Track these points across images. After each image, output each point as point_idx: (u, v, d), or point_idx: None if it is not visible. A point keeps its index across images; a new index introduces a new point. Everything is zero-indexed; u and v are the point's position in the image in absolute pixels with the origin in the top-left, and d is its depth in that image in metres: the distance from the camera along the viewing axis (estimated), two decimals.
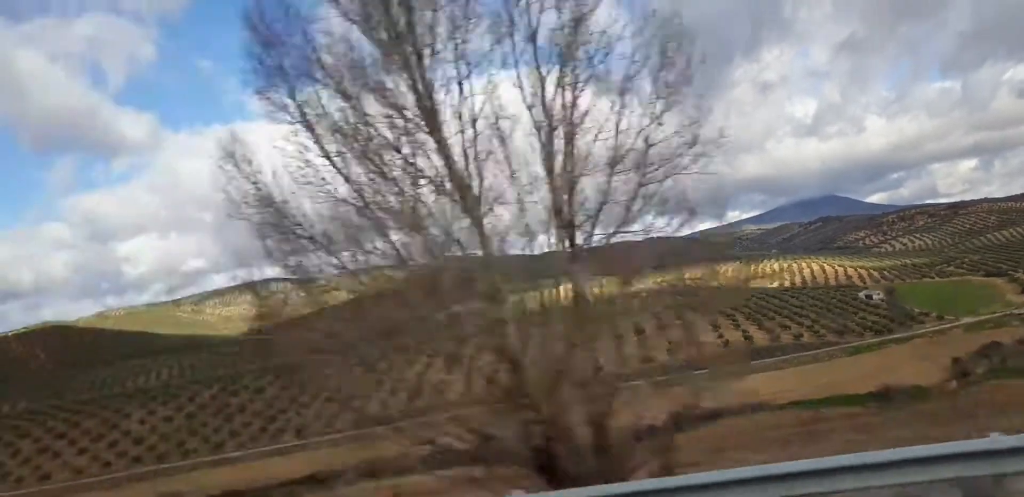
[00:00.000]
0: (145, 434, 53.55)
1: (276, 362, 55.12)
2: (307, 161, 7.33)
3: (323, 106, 7.36)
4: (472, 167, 7.34)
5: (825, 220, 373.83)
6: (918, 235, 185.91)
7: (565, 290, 8.44)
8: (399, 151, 7.34)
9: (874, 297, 71.66)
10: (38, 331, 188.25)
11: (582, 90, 7.52)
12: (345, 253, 7.68)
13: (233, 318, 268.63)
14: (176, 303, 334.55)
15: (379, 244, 7.68)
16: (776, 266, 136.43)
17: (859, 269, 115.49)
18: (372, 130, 7.30)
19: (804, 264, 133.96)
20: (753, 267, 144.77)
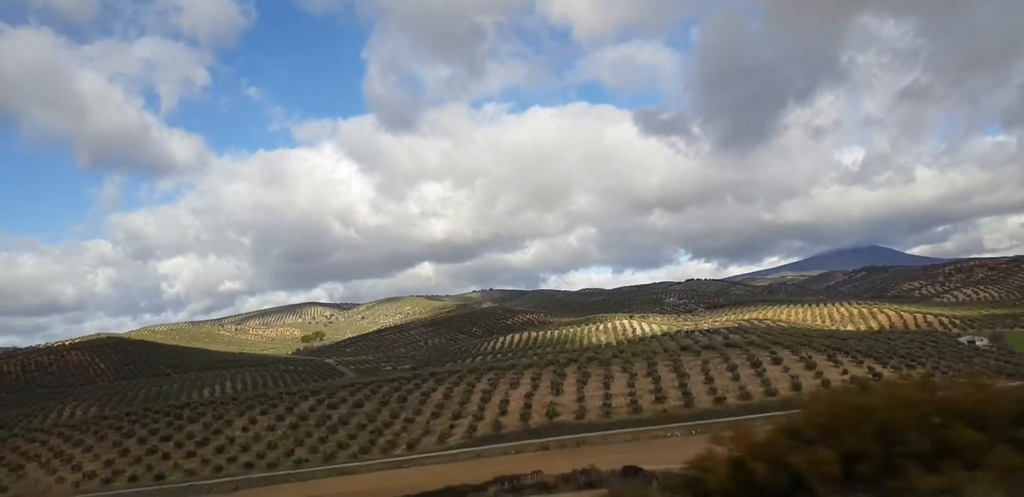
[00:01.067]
0: (250, 441, 53.65)
1: (374, 379, 55.03)
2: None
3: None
4: None
5: (869, 269, 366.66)
6: (981, 287, 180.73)
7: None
8: None
9: (977, 342, 69.72)
10: (93, 341, 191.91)
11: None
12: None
13: (276, 338, 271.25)
14: (219, 322, 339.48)
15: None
16: (843, 310, 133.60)
17: (937, 317, 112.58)
18: None
19: (868, 310, 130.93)
20: (816, 310, 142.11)
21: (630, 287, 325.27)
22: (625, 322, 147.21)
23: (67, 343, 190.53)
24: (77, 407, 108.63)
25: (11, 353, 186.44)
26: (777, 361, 55.57)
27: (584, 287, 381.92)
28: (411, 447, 49.49)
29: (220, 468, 49.77)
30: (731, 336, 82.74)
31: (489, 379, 60.46)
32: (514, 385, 57.42)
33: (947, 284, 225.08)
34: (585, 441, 46.50)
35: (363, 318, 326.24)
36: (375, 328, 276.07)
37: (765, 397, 49.55)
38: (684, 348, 66.38)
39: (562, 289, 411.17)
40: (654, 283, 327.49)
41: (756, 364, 54.39)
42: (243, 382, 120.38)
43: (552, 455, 44.13)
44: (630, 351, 67.57)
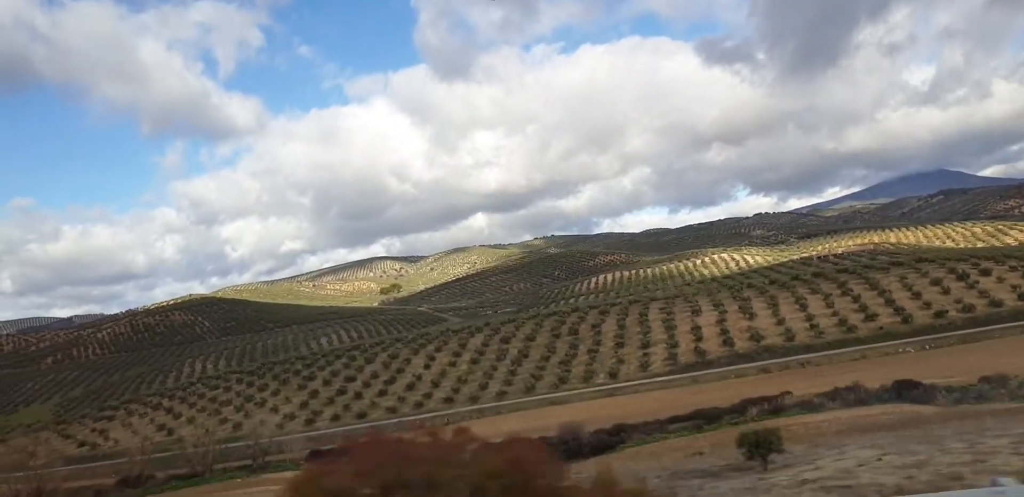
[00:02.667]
0: (437, 377, 53.22)
1: (535, 314, 53.03)
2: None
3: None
4: None
5: (946, 193, 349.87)
6: None
7: None
8: None
9: None
10: (188, 302, 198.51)
11: None
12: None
13: (354, 292, 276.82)
14: (293, 280, 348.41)
15: None
16: (961, 231, 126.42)
17: None
18: None
19: (993, 229, 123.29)
20: (926, 232, 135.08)
21: (698, 225, 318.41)
22: (725, 256, 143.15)
23: (165, 304, 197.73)
24: (206, 361, 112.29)
25: (116, 317, 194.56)
26: (962, 276, 51.22)
27: (646, 228, 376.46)
28: (613, 376, 48.13)
29: (420, 404, 49.53)
30: (879, 258, 78.35)
31: (660, 308, 58.37)
32: (696, 312, 55.15)
33: None
34: (808, 362, 44.23)
35: (432, 269, 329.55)
36: (447, 278, 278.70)
37: (991, 308, 46.04)
38: (843, 270, 62.54)
39: (616, 231, 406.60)
40: (719, 220, 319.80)
41: (937, 281, 50.52)
42: (356, 331, 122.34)
43: (783, 377, 41.99)
44: (788, 276, 64.27)
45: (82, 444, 53.07)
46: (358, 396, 52.55)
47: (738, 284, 62.78)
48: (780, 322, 49.78)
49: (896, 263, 57.45)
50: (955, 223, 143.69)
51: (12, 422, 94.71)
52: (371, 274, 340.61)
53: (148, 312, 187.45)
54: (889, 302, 49.06)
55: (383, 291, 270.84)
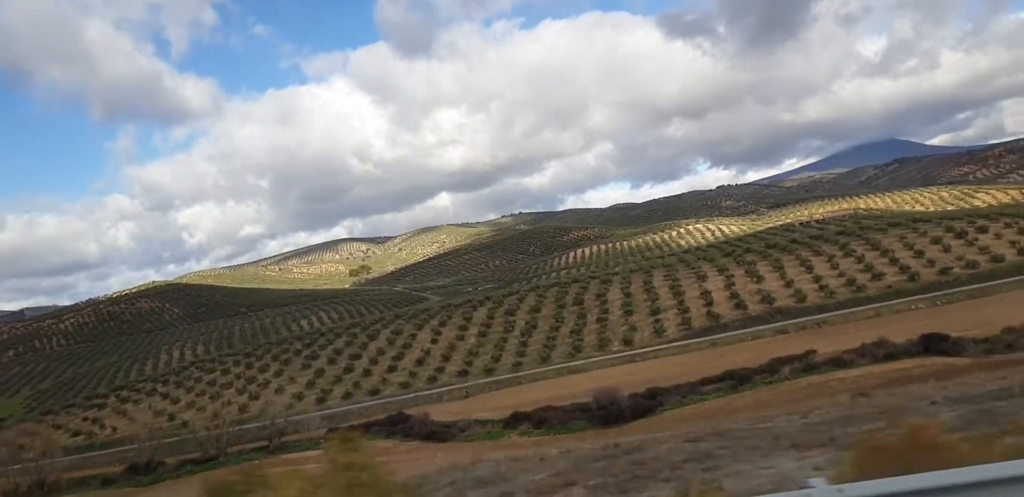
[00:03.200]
0: (447, 351, 52.31)
1: (538, 285, 52.39)
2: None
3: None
4: None
5: (901, 161, 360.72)
6: None
7: None
8: None
9: None
10: (152, 289, 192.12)
11: None
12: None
13: (322, 275, 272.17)
14: (257, 264, 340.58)
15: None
16: (929, 196, 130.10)
17: None
18: None
19: (960, 193, 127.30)
20: (895, 198, 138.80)
21: (664, 198, 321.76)
22: (700, 226, 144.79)
23: (129, 292, 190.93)
24: (184, 347, 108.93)
25: (77, 307, 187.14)
26: (961, 234, 52.32)
27: (612, 203, 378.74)
28: (627, 343, 47.95)
29: (433, 378, 48.62)
30: (864, 221, 79.81)
31: (664, 276, 58.33)
32: (701, 278, 55.22)
33: (1001, 166, 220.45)
34: (824, 322, 44.69)
35: (400, 250, 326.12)
36: (416, 258, 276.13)
37: (993, 264, 47.15)
38: (841, 233, 63.43)
39: (581, 207, 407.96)
40: (685, 193, 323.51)
41: (937, 239, 51.63)
42: (337, 313, 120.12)
43: (802, 337, 42.29)
44: (778, 241, 64.95)
45: (76, 434, 50.70)
46: (367, 373, 51.33)
47: (737, 250, 63.11)
48: (788, 284, 50.17)
49: (894, 224, 58.42)
50: (919, 189, 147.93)
51: None
52: (337, 256, 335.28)
53: (112, 300, 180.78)
54: (893, 261, 49.84)
55: (352, 273, 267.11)
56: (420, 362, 51.56)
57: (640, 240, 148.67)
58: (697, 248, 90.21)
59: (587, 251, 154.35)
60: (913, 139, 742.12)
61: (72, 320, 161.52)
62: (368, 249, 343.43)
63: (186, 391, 55.17)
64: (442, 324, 57.48)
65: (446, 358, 51.42)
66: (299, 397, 49.83)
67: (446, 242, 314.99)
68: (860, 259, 51.70)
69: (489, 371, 48.14)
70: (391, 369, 51.30)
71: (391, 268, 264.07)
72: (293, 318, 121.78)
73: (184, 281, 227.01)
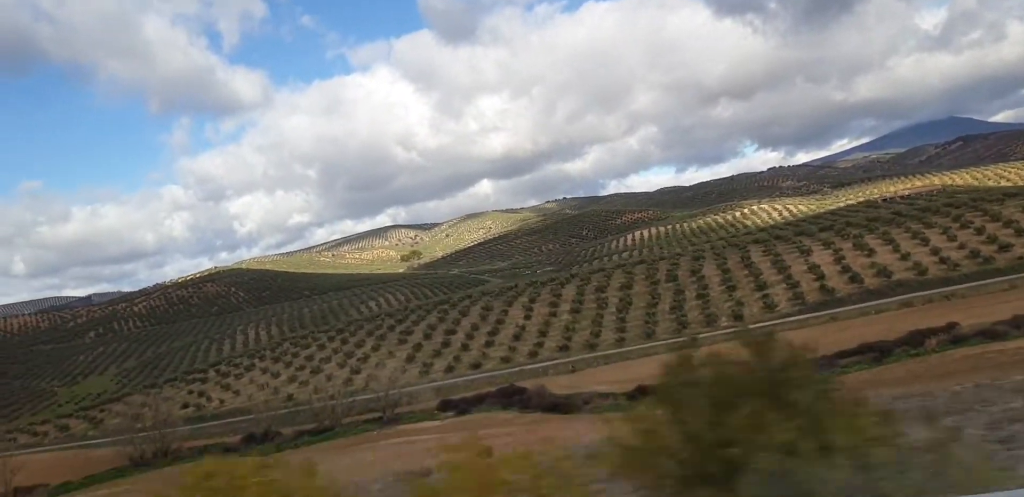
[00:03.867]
0: (542, 327, 51.83)
1: (624, 263, 50.71)
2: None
3: None
4: None
5: (965, 139, 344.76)
6: None
7: None
8: None
9: None
10: (214, 274, 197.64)
11: None
12: None
13: (374, 261, 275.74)
14: (309, 251, 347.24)
15: None
16: (1015, 172, 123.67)
17: None
18: None
19: None
20: (974, 175, 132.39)
21: (714, 181, 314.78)
22: (765, 206, 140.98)
23: (194, 277, 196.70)
24: (258, 328, 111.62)
25: (146, 291, 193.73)
26: None
27: (657, 187, 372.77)
28: (737, 318, 46.63)
29: (534, 353, 48.25)
30: (957, 196, 76.08)
31: (763, 251, 56.59)
32: (805, 252, 53.33)
33: None
34: (953, 295, 42.57)
35: (447, 236, 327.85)
36: (464, 244, 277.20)
37: None
38: (950, 205, 60.38)
39: (624, 192, 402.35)
40: (736, 175, 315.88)
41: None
42: (402, 294, 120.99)
43: (931, 310, 40.37)
44: (880, 214, 62.23)
45: (185, 405, 52.09)
46: (464, 347, 51.26)
47: (836, 223, 60.82)
48: (904, 257, 47.98)
49: (1010, 195, 55.36)
50: (996, 165, 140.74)
51: (80, 392, 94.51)
52: (386, 243, 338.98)
53: (178, 285, 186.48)
54: (1020, 232, 47.14)
55: (404, 258, 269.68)
56: (517, 337, 51.23)
57: (702, 221, 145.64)
58: (773, 226, 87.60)
59: (645, 233, 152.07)
60: (975, 116, 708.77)
61: (144, 304, 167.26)
62: (416, 235, 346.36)
63: (284, 366, 56.12)
64: (532, 301, 56.99)
65: (543, 334, 50.95)
66: (402, 370, 50.02)
67: (492, 228, 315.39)
68: (980, 230, 49.09)
69: (591, 346, 47.51)
70: (488, 344, 51.11)
71: (440, 253, 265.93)
72: (360, 300, 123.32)
73: (244, 266, 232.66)
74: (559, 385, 41.05)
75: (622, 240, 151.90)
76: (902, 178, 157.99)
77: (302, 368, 54.40)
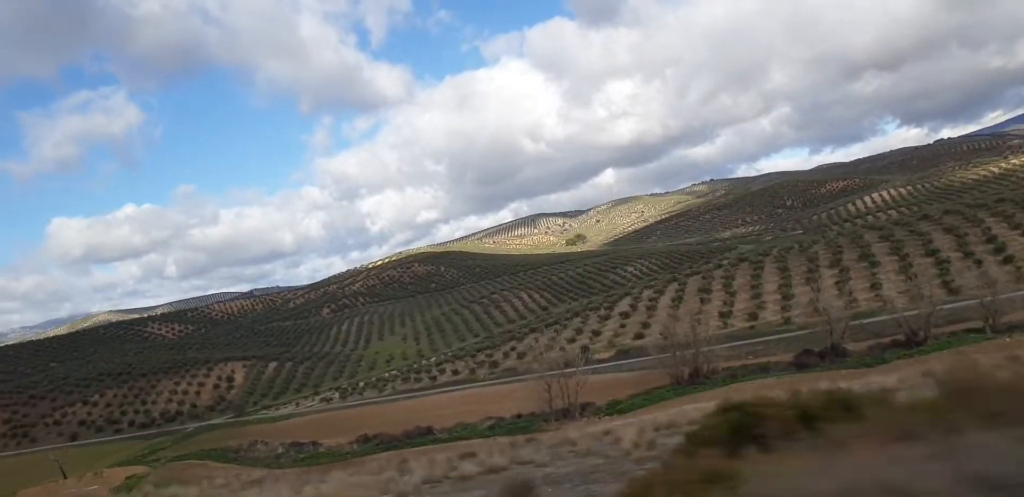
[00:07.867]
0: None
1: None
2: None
3: None
4: None
5: None
6: None
7: None
8: None
9: None
10: (419, 255, 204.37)
11: None
12: None
13: (537, 246, 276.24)
14: (465, 240, 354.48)
15: None
16: None
17: None
18: None
19: None
20: None
21: (875, 155, 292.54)
22: None
23: (403, 256, 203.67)
24: (522, 295, 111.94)
25: (354, 273, 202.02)
26: None
27: (786, 170, 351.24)
28: None
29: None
30: None
31: None
32: None
33: None
34: None
35: (598, 222, 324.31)
36: (623, 228, 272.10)
37: None
38: None
39: (764, 173, 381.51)
40: (891, 151, 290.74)
41: None
42: (646, 264, 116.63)
43: None
44: None
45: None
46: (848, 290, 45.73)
47: None
48: None
49: None
50: None
51: (382, 352, 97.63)
52: (536, 230, 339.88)
53: (382, 267, 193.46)
54: None
55: (569, 242, 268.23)
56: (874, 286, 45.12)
57: (958, 176, 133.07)
58: None
59: (876, 197, 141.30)
60: None
61: (362, 283, 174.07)
62: (564, 223, 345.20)
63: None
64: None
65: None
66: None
67: (644, 212, 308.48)
68: None
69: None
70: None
71: (602, 236, 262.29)
72: (607, 268, 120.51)
73: (434, 250, 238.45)
74: None
75: (859, 202, 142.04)
76: None
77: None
